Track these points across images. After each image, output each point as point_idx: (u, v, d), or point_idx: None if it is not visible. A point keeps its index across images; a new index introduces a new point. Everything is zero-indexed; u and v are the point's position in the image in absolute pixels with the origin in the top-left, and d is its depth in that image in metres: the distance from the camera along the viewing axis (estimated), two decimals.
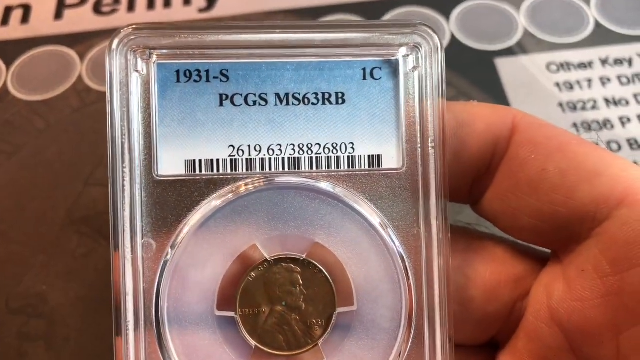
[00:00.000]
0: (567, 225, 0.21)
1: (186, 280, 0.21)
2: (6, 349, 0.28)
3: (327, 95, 0.21)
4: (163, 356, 0.20)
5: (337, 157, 0.21)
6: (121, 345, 0.20)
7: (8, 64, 0.35)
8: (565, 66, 0.34)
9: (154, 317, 0.20)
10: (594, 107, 0.32)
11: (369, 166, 0.21)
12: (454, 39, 0.34)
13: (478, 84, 0.32)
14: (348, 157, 0.21)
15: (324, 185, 0.21)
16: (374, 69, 0.21)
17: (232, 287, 0.21)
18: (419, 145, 0.21)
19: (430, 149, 0.21)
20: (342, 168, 0.21)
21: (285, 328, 0.21)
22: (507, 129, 0.22)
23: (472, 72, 0.31)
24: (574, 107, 0.32)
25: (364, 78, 0.21)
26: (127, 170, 0.20)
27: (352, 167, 0.21)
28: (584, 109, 0.32)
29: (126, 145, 0.20)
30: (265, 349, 0.21)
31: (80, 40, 0.34)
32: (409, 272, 0.21)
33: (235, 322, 0.21)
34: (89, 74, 0.33)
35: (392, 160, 0.21)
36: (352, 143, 0.21)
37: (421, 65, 0.21)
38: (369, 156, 0.21)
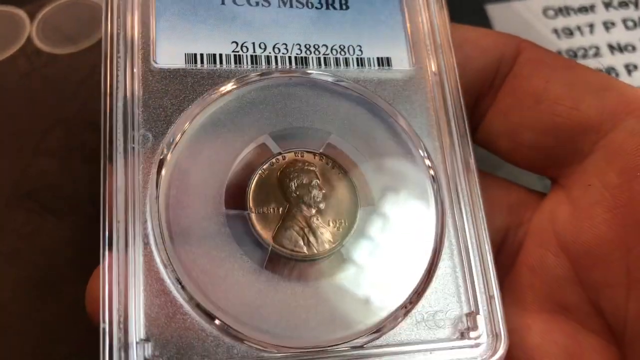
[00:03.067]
0: (569, 138, 0.20)
1: (188, 179, 0.18)
2: None
3: (330, 0, 0.21)
4: (165, 266, 0.17)
5: (346, 58, 0.20)
6: (112, 260, 0.16)
7: None
8: (564, 11, 0.30)
9: (150, 219, 0.17)
10: (596, 55, 0.30)
11: (379, 66, 0.20)
12: None
13: None
14: (357, 58, 0.20)
15: (338, 79, 0.20)
16: None
17: (242, 184, 0.18)
18: (427, 48, 0.21)
19: (439, 51, 0.21)
20: (352, 68, 0.20)
21: (304, 228, 0.18)
22: (512, 49, 0.22)
23: (461, 20, 0.28)
24: (574, 55, 0.30)
25: None
26: (121, 59, 0.18)
27: (362, 67, 0.20)
28: (585, 56, 0.30)
29: (121, 35, 0.19)
30: (282, 251, 0.18)
31: (29, 0, 0.31)
32: (428, 170, 0.20)
33: (247, 222, 0.18)
34: (39, 35, 0.30)
35: (401, 61, 0.21)
36: (359, 46, 0.21)
37: None
38: (378, 58, 0.21)
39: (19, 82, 0.29)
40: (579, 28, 0.31)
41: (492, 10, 0.31)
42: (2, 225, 0.25)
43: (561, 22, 0.30)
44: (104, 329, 0.16)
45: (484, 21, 0.30)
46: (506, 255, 0.21)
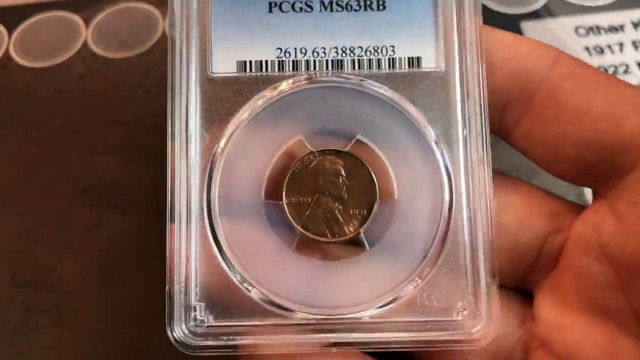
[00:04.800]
0: (611, 154, 0.21)
1: (236, 171, 0.22)
2: (13, 323, 0.27)
3: (368, 2, 0.23)
4: (216, 242, 0.21)
5: (379, 59, 0.22)
6: (174, 232, 0.21)
7: (10, 30, 0.33)
8: (594, 29, 0.33)
9: (205, 205, 0.21)
10: (626, 72, 0.32)
11: (409, 67, 0.22)
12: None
13: None
14: (389, 59, 0.22)
15: (368, 83, 0.22)
16: None
17: (279, 177, 0.22)
18: (457, 49, 0.22)
19: (468, 51, 0.22)
20: (383, 69, 0.22)
21: (329, 216, 0.22)
22: (549, 59, 0.22)
23: None
24: (605, 72, 0.31)
25: None
26: (184, 68, 0.22)
27: (393, 68, 0.22)
28: (615, 73, 0.31)
29: (184, 47, 0.22)
30: (309, 235, 0.21)
31: (85, 6, 0.32)
32: (449, 169, 0.22)
33: (282, 210, 0.22)
34: (94, 39, 0.31)
35: (431, 61, 0.22)
36: (392, 46, 0.22)
37: None
38: (408, 58, 0.22)
39: (76, 84, 0.30)
40: (609, 46, 0.32)
41: (527, 27, 0.32)
42: (66, 219, 0.28)
43: (592, 40, 0.32)
44: (169, 291, 0.21)
45: None
46: (546, 259, 0.23)
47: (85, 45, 0.32)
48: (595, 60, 0.32)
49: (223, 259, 0.21)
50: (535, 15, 0.33)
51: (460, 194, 0.22)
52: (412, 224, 0.22)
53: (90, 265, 0.27)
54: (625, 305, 0.21)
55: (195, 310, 0.21)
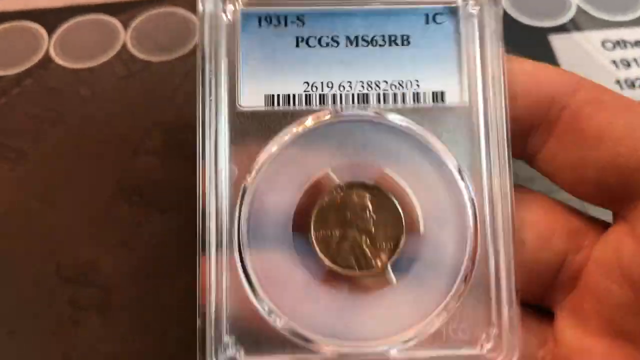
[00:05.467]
0: (631, 177, 0.22)
1: (264, 204, 0.22)
2: (59, 317, 0.27)
3: (393, 38, 0.23)
4: (245, 274, 0.22)
5: (403, 93, 0.23)
6: (205, 263, 0.21)
7: (50, 32, 0.33)
8: (621, 43, 0.33)
9: (235, 238, 0.22)
10: None
11: (434, 101, 0.23)
12: (506, 15, 0.35)
13: (533, 60, 0.33)
14: (413, 93, 0.23)
15: (393, 117, 0.23)
16: (436, 14, 0.23)
17: (307, 210, 0.22)
18: (481, 83, 0.23)
19: (491, 86, 0.23)
20: (408, 103, 0.23)
21: (356, 250, 0.22)
22: (570, 85, 0.23)
23: (526, 49, 0.32)
24: (632, 85, 0.32)
25: (427, 22, 0.23)
26: (213, 102, 0.22)
27: (417, 102, 0.23)
28: None
29: (213, 81, 0.22)
30: (337, 269, 0.22)
31: (123, 9, 0.33)
32: (474, 203, 0.22)
33: (310, 244, 0.22)
34: (133, 42, 0.32)
35: (455, 95, 0.23)
36: (417, 80, 0.23)
37: (480, 8, 0.23)
38: (433, 92, 0.23)
39: (116, 86, 0.31)
40: (635, 60, 0.33)
41: (555, 40, 0.33)
42: (108, 218, 0.28)
43: (619, 54, 0.33)
44: (200, 325, 0.21)
45: (547, 51, 0.33)
46: (566, 278, 0.23)
47: (124, 47, 0.33)
48: (622, 73, 0.32)
49: (252, 291, 0.22)
50: (562, 28, 0.34)
51: (485, 226, 0.22)
52: (438, 257, 0.22)
53: (132, 263, 0.28)
54: None
55: (227, 347, 0.21)
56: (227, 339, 0.21)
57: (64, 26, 0.34)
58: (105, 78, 0.32)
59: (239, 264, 0.22)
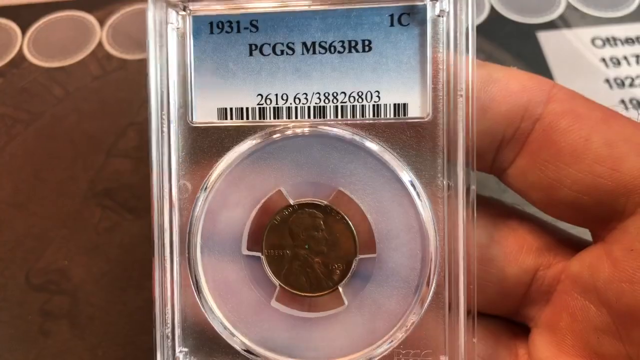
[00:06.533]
0: (610, 198, 0.20)
1: (217, 221, 0.22)
2: (29, 327, 0.27)
3: (353, 43, 0.21)
4: (197, 291, 0.22)
5: (362, 105, 0.21)
6: (155, 277, 0.22)
7: (24, 29, 0.33)
8: (611, 41, 0.32)
9: (188, 255, 0.22)
10: None
11: (395, 115, 0.21)
12: (493, 11, 0.32)
13: (521, 57, 0.31)
14: (373, 105, 0.21)
15: (348, 134, 0.21)
16: (401, 14, 0.21)
17: (259, 229, 0.22)
18: (445, 95, 0.21)
19: (458, 97, 0.21)
20: (367, 117, 0.21)
21: (308, 270, 0.22)
22: (542, 94, 0.21)
23: (514, 46, 0.30)
24: (621, 84, 0.31)
25: (392, 24, 0.21)
26: (165, 118, 0.22)
27: (377, 116, 0.21)
28: (632, 85, 0.31)
29: (165, 95, 0.22)
30: (288, 289, 0.22)
31: (100, 6, 0.32)
32: (432, 223, 0.21)
33: (261, 262, 0.22)
34: (109, 40, 0.31)
35: (417, 109, 0.21)
36: (377, 91, 0.21)
37: (449, 10, 0.20)
38: (394, 105, 0.21)
39: (90, 85, 0.30)
40: (625, 58, 0.31)
41: (544, 37, 0.31)
42: (80, 221, 0.28)
43: (609, 51, 0.31)
44: (154, 336, 0.22)
45: (535, 49, 0.31)
46: (538, 293, 0.23)
47: (100, 45, 0.32)
48: (612, 72, 0.31)
49: (205, 306, 0.22)
50: (551, 25, 0.32)
51: (443, 246, 0.21)
52: (392, 279, 0.21)
53: (103, 270, 0.28)
54: (622, 352, 0.20)
55: (179, 359, 0.22)
56: (180, 350, 0.22)
57: (38, 23, 0.33)
58: (79, 77, 0.31)
59: (192, 281, 0.22)
